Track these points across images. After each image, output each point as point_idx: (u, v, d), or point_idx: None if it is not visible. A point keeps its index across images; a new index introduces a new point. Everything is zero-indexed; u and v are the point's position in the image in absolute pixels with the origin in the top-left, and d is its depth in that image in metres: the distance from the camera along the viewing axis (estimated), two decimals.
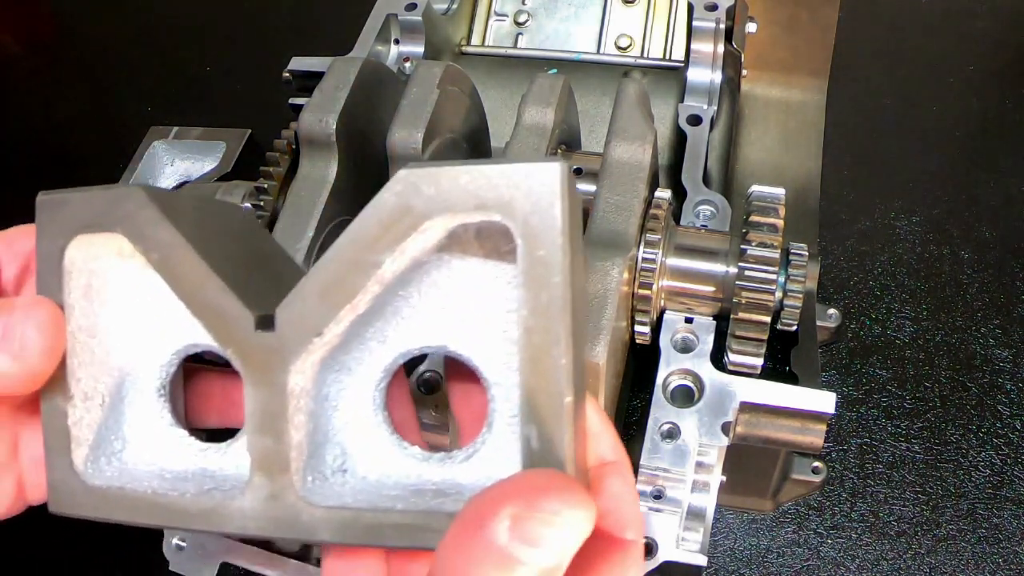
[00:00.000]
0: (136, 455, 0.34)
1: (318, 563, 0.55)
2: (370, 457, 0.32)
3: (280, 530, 0.30)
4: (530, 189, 0.27)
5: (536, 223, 0.27)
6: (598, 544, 0.30)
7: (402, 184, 0.28)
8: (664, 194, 0.52)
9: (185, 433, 0.34)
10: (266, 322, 0.30)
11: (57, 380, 0.32)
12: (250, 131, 0.80)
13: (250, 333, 0.30)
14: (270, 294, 0.31)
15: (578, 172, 0.55)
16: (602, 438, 0.32)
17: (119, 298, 0.34)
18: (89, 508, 0.32)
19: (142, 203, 0.31)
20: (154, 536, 0.52)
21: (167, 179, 0.83)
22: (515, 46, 0.81)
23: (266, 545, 0.55)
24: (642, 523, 0.32)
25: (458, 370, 0.36)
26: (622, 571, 0.30)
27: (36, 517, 0.38)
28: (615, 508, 0.31)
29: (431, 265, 0.31)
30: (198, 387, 0.38)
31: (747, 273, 0.49)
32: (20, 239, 0.37)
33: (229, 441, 0.34)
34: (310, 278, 0.29)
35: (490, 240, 0.30)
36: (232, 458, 0.33)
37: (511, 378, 0.31)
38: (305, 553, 0.58)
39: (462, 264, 0.31)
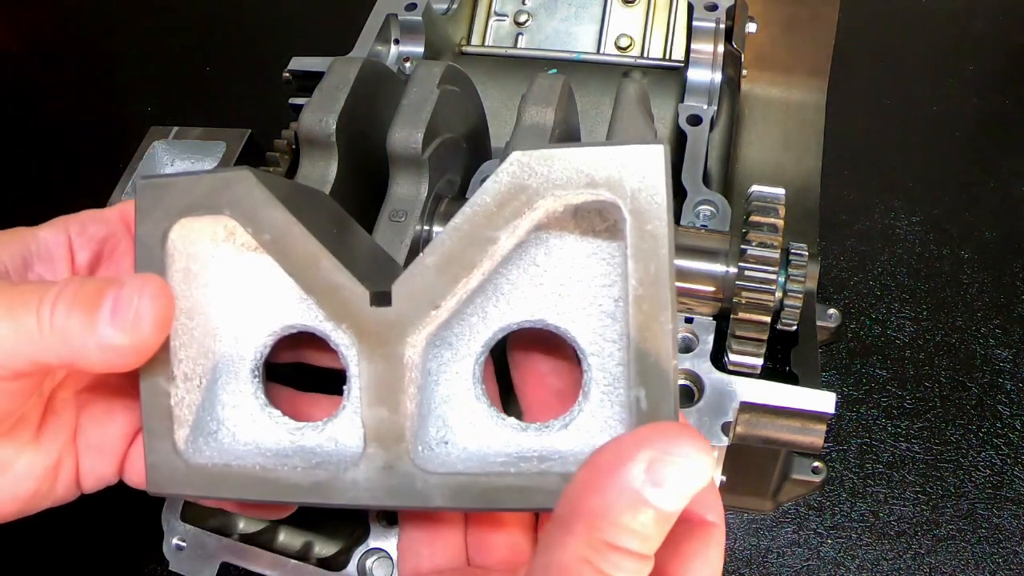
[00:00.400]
0: (231, 436, 0.35)
1: (318, 563, 0.55)
2: (469, 428, 0.33)
3: (395, 498, 0.32)
4: (637, 168, 0.29)
5: (644, 199, 0.29)
6: (686, 525, 0.32)
7: (516, 164, 0.30)
8: None
9: (279, 413, 0.35)
10: (382, 298, 0.31)
11: (160, 361, 0.33)
12: (250, 131, 0.80)
13: (366, 308, 0.31)
14: (369, 273, 0.32)
15: None
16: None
17: (216, 282, 0.35)
18: (194, 486, 0.33)
19: (252, 185, 0.32)
20: (154, 536, 0.52)
21: None
22: (515, 46, 0.81)
23: (267, 546, 0.55)
24: (721, 509, 0.34)
25: (522, 344, 0.37)
26: (707, 549, 0.32)
27: (36, 517, 0.38)
28: (697, 494, 0.32)
29: (530, 243, 0.33)
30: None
31: (747, 273, 0.49)
32: (92, 224, 0.37)
33: (325, 420, 0.35)
34: (427, 255, 0.31)
35: (586, 219, 0.32)
36: (331, 435, 0.34)
37: (607, 349, 0.32)
38: (305, 553, 0.58)
39: (559, 242, 0.33)
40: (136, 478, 0.37)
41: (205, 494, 0.33)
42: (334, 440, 0.34)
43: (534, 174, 0.30)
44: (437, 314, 0.31)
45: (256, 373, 0.35)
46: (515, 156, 0.30)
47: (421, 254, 0.31)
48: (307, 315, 0.34)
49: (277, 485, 0.32)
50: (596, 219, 0.32)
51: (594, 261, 0.32)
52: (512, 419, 0.34)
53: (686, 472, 0.26)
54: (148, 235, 0.33)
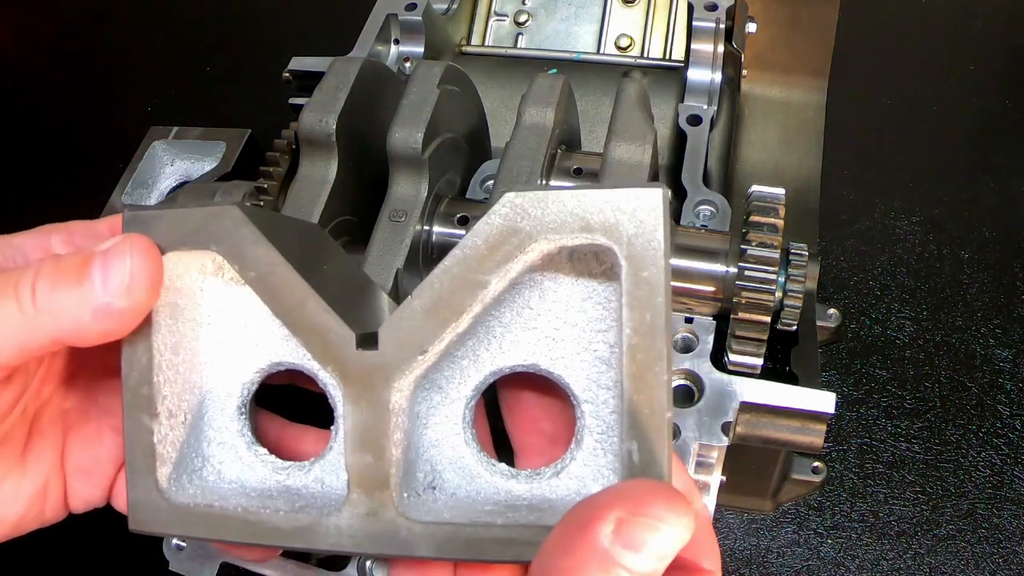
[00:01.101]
0: (216, 473, 0.34)
1: (318, 563, 0.55)
2: (459, 474, 0.33)
3: (378, 546, 0.31)
4: (634, 212, 0.28)
5: (641, 245, 0.28)
6: (676, 573, 0.31)
7: (509, 206, 0.29)
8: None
9: (266, 451, 0.35)
10: (368, 340, 0.30)
11: (143, 397, 0.32)
12: (250, 131, 0.80)
13: (351, 351, 0.30)
14: (357, 314, 0.32)
15: (578, 172, 0.55)
16: (678, 481, 0.32)
17: (203, 316, 0.34)
18: (175, 526, 0.33)
19: (239, 221, 0.31)
20: (154, 536, 0.52)
21: (167, 179, 0.83)
22: (515, 46, 0.81)
23: None
24: (718, 555, 0.33)
25: (514, 386, 0.36)
26: None
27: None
28: (694, 540, 0.31)
29: (523, 286, 0.32)
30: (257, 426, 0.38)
31: (747, 273, 0.49)
32: (81, 236, 0.36)
33: (312, 460, 0.34)
34: (415, 297, 0.30)
35: (582, 261, 0.31)
36: (317, 476, 0.33)
37: (601, 396, 0.32)
38: (305, 553, 0.58)
39: (553, 284, 0.32)
40: (123, 503, 0.36)
41: (187, 534, 0.33)
42: (320, 482, 0.33)
43: (527, 216, 0.29)
44: (425, 359, 0.30)
45: (243, 410, 0.35)
46: (508, 198, 0.29)
47: (410, 296, 0.30)
48: (295, 353, 0.34)
49: (259, 528, 0.32)
50: (592, 261, 0.31)
51: (590, 305, 0.32)
52: (503, 465, 0.33)
53: (659, 534, 0.26)
54: None
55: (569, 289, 0.32)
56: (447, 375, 0.33)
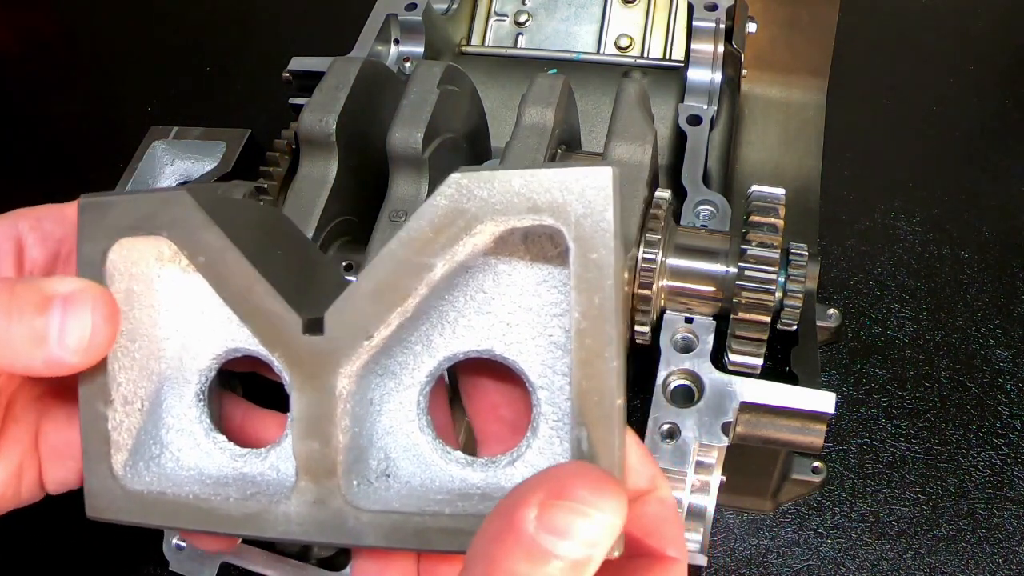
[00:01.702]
0: (175, 460, 0.34)
1: (318, 563, 0.55)
2: (413, 462, 0.32)
3: (325, 535, 0.30)
4: (583, 193, 0.27)
5: (589, 227, 0.27)
6: (643, 561, 0.31)
7: (455, 187, 0.28)
8: (664, 194, 0.52)
9: (224, 438, 0.34)
10: (315, 325, 0.30)
11: (98, 384, 0.32)
12: (250, 131, 0.80)
13: (298, 337, 0.30)
14: (313, 299, 0.31)
15: None
16: (643, 468, 0.32)
17: (159, 303, 0.34)
18: (129, 513, 0.32)
19: (189, 207, 0.31)
20: (154, 536, 0.52)
21: (167, 179, 0.83)
22: (515, 46, 0.81)
23: (268, 546, 0.55)
24: (684, 543, 0.32)
25: (473, 373, 0.36)
26: None
27: (36, 518, 0.38)
28: (657, 527, 0.31)
29: (477, 269, 0.31)
30: (224, 412, 0.38)
31: (747, 273, 0.49)
32: (50, 221, 0.36)
33: (269, 447, 0.34)
34: (360, 281, 0.29)
35: (536, 244, 0.31)
36: (273, 463, 0.33)
37: (556, 382, 0.31)
38: (305, 553, 0.58)
39: (508, 268, 0.31)
40: None
41: (141, 521, 0.32)
42: (276, 469, 0.33)
43: (473, 197, 0.28)
44: (371, 344, 0.30)
45: (201, 396, 0.35)
46: (454, 178, 0.28)
47: (356, 279, 0.30)
48: (250, 340, 0.33)
49: (210, 515, 0.31)
50: (547, 244, 0.30)
51: (545, 289, 0.31)
52: (458, 453, 0.32)
53: (586, 519, 0.25)
54: (89, 254, 0.32)
55: (524, 273, 0.31)
56: (400, 361, 0.32)
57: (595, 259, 0.27)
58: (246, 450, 0.34)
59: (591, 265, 0.27)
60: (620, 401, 0.27)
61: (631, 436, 0.31)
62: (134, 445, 0.33)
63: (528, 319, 0.31)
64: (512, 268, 0.31)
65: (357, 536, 0.30)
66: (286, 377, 0.31)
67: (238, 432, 0.38)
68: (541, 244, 0.31)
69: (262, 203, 0.57)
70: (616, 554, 0.26)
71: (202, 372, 0.34)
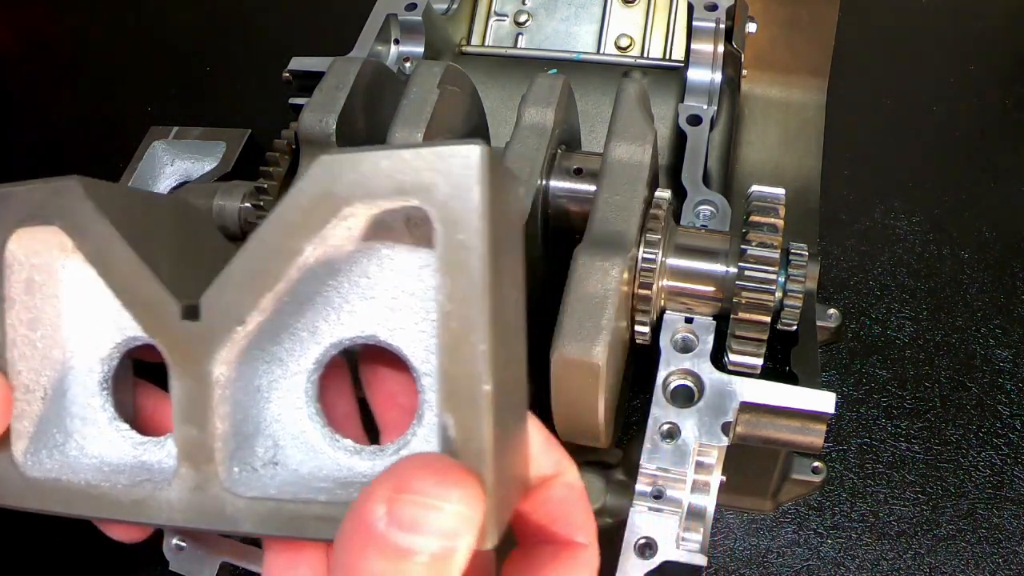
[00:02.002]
0: (78, 448, 0.34)
1: None
2: (302, 449, 0.32)
3: (205, 521, 0.30)
4: (449, 172, 0.26)
5: (455, 207, 0.26)
6: (549, 548, 0.31)
7: (322, 169, 0.27)
8: (664, 194, 0.52)
9: (126, 426, 0.35)
10: (192, 311, 0.30)
11: None
12: (250, 131, 0.80)
13: (176, 322, 0.30)
14: (207, 287, 0.31)
15: (578, 172, 0.55)
16: (546, 456, 0.31)
17: (61, 292, 0.34)
18: (26, 499, 0.33)
19: (78, 196, 0.31)
20: (154, 536, 0.52)
21: (167, 179, 0.83)
22: (515, 46, 0.81)
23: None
24: (593, 528, 0.32)
25: (371, 360, 0.35)
26: (570, 570, 0.30)
27: (36, 517, 0.38)
28: (563, 513, 0.31)
29: (360, 254, 0.31)
30: (138, 400, 0.38)
31: (747, 273, 0.49)
32: None
33: (168, 435, 0.34)
34: (232, 267, 0.29)
35: (419, 228, 0.30)
36: (169, 451, 0.33)
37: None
38: None
39: (391, 253, 0.31)
40: None
41: (37, 507, 0.33)
42: (172, 456, 0.33)
43: (340, 180, 0.27)
44: (246, 330, 0.29)
45: (105, 385, 0.35)
46: (322, 159, 0.27)
47: (226, 266, 0.29)
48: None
49: (100, 501, 0.32)
50: (428, 227, 0.29)
51: (427, 273, 0.31)
52: (348, 441, 0.32)
53: (435, 511, 0.24)
54: None
55: (406, 257, 0.31)
56: (287, 348, 0.32)
57: (461, 240, 0.26)
58: (147, 438, 0.34)
59: (456, 247, 0.26)
60: (488, 387, 0.26)
61: (533, 422, 0.31)
62: (36, 433, 0.33)
63: (411, 304, 0.31)
64: (395, 253, 0.31)
65: (234, 522, 0.30)
66: (167, 363, 0.31)
67: (149, 420, 0.38)
68: (422, 227, 0.30)
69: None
70: (489, 545, 0.26)
71: (104, 360, 0.35)
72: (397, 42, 0.73)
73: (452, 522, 0.24)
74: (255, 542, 0.53)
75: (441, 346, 0.26)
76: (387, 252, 0.31)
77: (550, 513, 0.31)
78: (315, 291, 0.31)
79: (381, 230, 0.30)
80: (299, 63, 0.71)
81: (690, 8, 0.67)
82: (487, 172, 0.26)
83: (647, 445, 0.48)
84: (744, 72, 0.71)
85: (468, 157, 0.26)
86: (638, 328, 0.52)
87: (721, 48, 0.67)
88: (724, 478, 0.50)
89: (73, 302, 0.34)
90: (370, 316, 0.31)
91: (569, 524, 0.31)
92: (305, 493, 0.30)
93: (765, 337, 0.50)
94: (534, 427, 0.31)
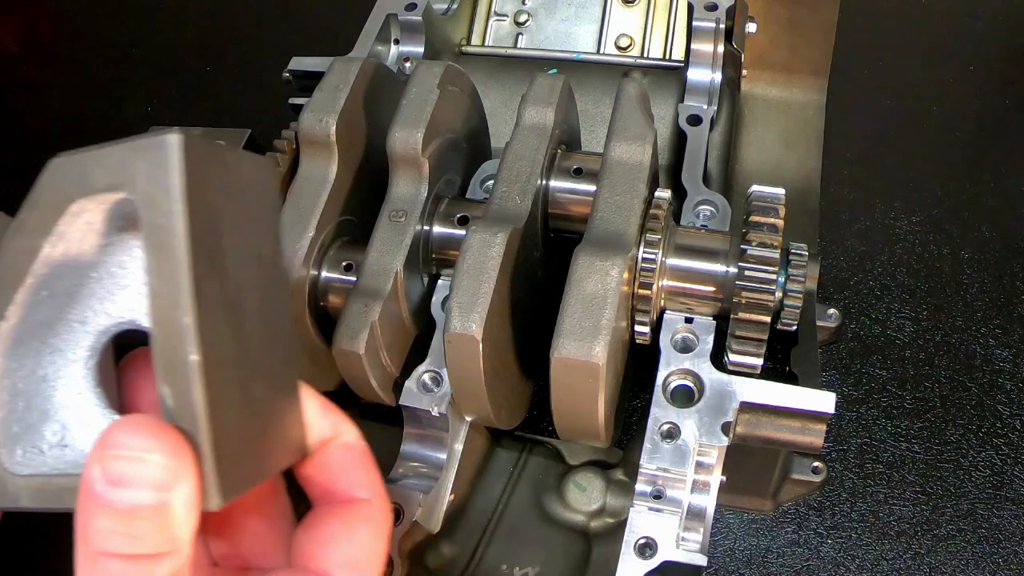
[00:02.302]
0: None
1: None
2: (88, 431, 0.34)
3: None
4: (148, 162, 0.28)
5: (153, 192, 0.28)
6: (333, 506, 0.34)
7: (50, 170, 0.30)
8: (664, 194, 0.52)
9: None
10: None
11: None
12: (250, 131, 0.80)
13: None
14: None
15: (578, 172, 0.55)
16: (323, 420, 0.34)
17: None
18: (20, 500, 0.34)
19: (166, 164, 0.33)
20: None
21: None
22: (515, 46, 0.81)
23: None
24: (377, 483, 0.35)
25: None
26: (350, 528, 0.33)
27: (37, 516, 0.38)
28: (343, 472, 0.34)
29: (114, 247, 0.33)
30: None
31: (747, 273, 0.49)
32: None
33: None
34: None
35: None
36: None
37: None
38: None
39: (137, 243, 0.33)
40: None
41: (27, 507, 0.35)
42: None
43: (64, 179, 0.30)
44: (8, 324, 0.32)
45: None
46: (52, 161, 0.30)
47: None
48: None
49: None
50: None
51: None
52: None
53: (135, 463, 0.26)
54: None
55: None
56: (64, 338, 0.34)
57: (162, 224, 0.28)
58: None
59: (158, 230, 0.28)
60: (195, 357, 0.28)
61: (306, 391, 0.34)
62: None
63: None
64: (138, 242, 0.33)
65: (15, 499, 0.32)
66: None
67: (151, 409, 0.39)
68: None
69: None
70: (214, 504, 0.28)
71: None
72: (397, 42, 0.73)
73: (158, 473, 0.26)
74: None
75: (153, 322, 0.29)
76: (134, 242, 0.33)
77: (332, 474, 0.34)
78: (79, 284, 0.33)
79: (128, 222, 0.32)
80: (299, 63, 0.71)
81: (690, 8, 0.67)
82: (182, 159, 0.28)
83: (647, 445, 0.48)
84: (744, 72, 0.71)
85: (163, 147, 0.28)
86: (638, 328, 0.52)
87: (721, 48, 0.67)
88: (724, 478, 0.50)
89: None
90: (128, 303, 0.34)
91: (350, 482, 0.34)
92: (70, 469, 0.32)
93: (765, 337, 0.50)
94: (308, 396, 0.34)
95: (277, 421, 0.33)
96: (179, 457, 0.27)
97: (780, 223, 0.50)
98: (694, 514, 0.49)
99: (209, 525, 0.33)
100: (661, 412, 0.49)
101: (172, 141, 0.28)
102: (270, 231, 0.34)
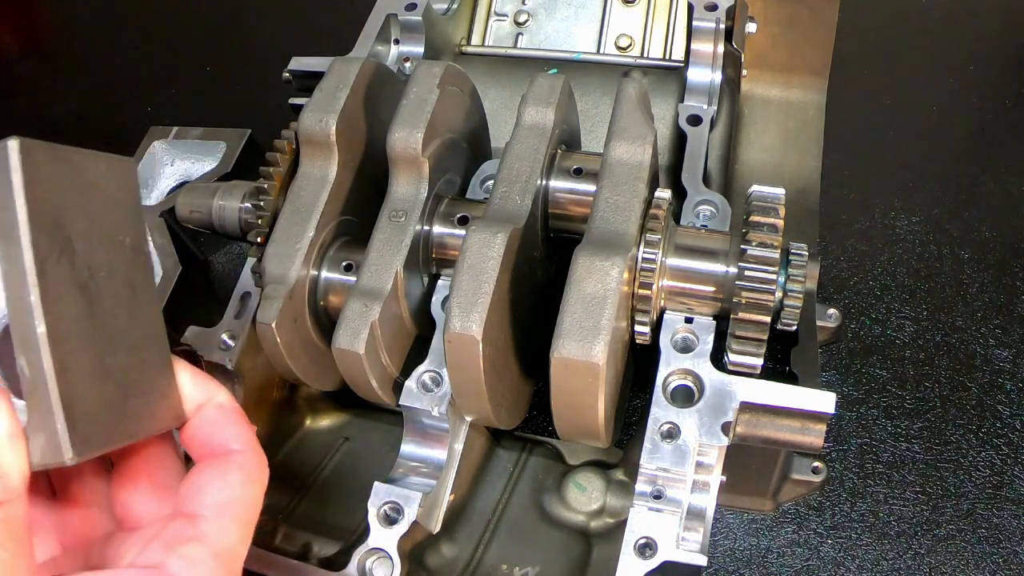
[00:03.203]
0: None
1: (318, 563, 0.55)
2: None
3: None
4: None
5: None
6: (210, 460, 0.37)
7: None
8: (664, 194, 0.52)
9: None
10: None
11: None
12: (250, 131, 0.80)
13: None
14: None
15: (578, 172, 0.55)
16: (196, 388, 0.39)
17: None
18: None
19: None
20: None
21: (167, 179, 0.83)
22: (515, 46, 0.81)
23: (267, 546, 0.55)
24: (249, 437, 0.39)
25: None
26: (223, 472, 0.37)
27: None
28: (217, 430, 0.38)
29: None
30: None
31: (747, 273, 0.49)
32: None
33: None
34: None
35: None
36: None
37: None
38: (305, 553, 0.58)
39: None
40: None
41: None
42: None
43: None
44: None
45: None
46: None
47: None
48: None
49: None
50: None
51: None
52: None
53: None
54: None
55: None
56: None
57: (6, 219, 0.32)
58: None
59: (3, 224, 0.33)
60: (41, 329, 0.32)
61: (180, 364, 0.39)
62: None
63: None
64: None
65: None
66: None
67: None
68: None
69: None
70: (67, 458, 0.32)
71: None
72: (397, 42, 0.73)
73: None
74: (255, 543, 0.53)
75: (8, 304, 0.33)
76: None
77: (208, 432, 0.38)
78: None
79: None
80: (299, 63, 0.71)
81: (690, 8, 0.67)
82: (20, 161, 0.33)
83: (647, 445, 0.48)
84: (744, 72, 0.71)
85: (3, 151, 0.33)
86: (638, 328, 0.52)
87: (721, 48, 0.67)
88: (724, 478, 0.50)
89: None
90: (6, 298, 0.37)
91: (225, 436, 0.38)
92: None
93: (765, 337, 0.50)
94: (181, 368, 0.39)
95: (145, 390, 0.37)
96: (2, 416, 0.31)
97: (780, 223, 0.50)
98: (694, 514, 0.49)
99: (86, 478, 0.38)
100: (661, 412, 0.49)
101: (11, 146, 0.33)
102: (131, 221, 0.38)
